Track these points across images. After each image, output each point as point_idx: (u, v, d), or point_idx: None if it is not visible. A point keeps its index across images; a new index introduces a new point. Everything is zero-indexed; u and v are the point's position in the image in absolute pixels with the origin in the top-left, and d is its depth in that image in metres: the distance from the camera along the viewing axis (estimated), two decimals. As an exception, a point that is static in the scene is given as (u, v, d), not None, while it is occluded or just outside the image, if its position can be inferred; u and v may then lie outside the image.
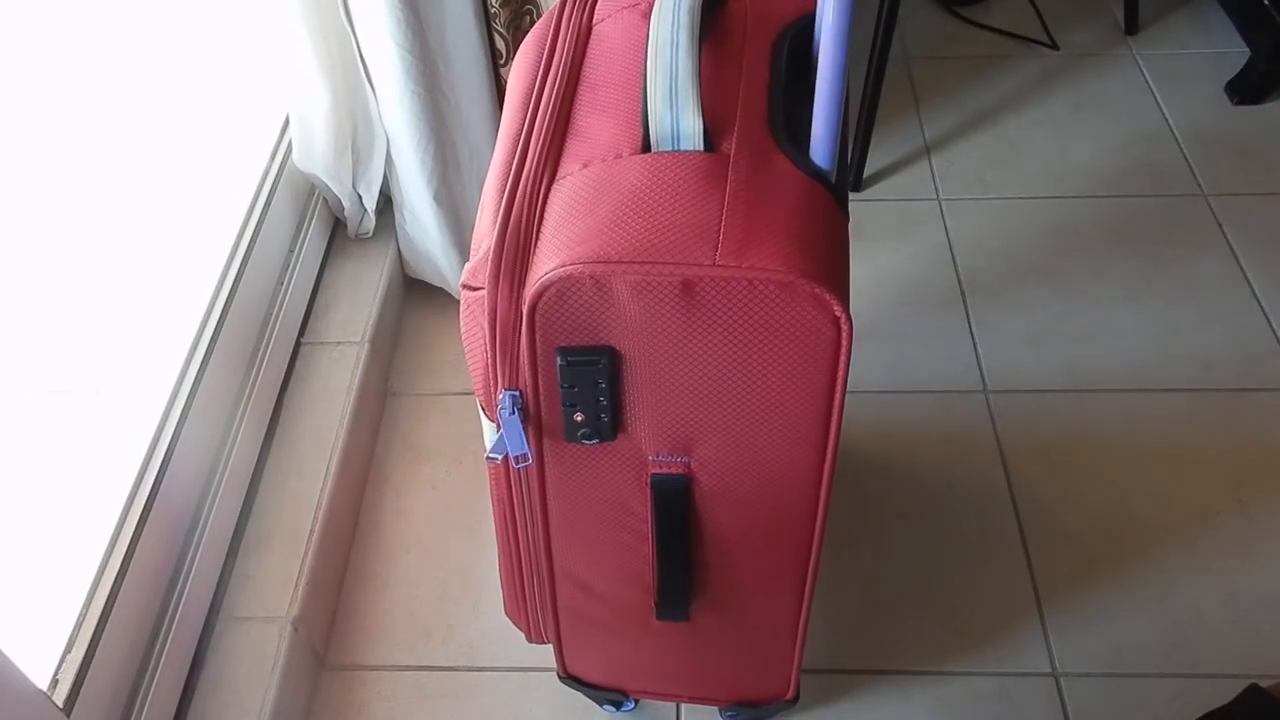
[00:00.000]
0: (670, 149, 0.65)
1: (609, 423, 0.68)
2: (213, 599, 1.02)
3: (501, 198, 0.67)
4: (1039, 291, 1.37)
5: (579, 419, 0.68)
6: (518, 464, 0.72)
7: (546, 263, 0.62)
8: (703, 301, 0.61)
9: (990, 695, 1.01)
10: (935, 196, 1.51)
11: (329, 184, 1.26)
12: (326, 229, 1.35)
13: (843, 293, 0.62)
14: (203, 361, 1.05)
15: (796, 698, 0.93)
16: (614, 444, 0.70)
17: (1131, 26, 1.79)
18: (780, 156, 0.66)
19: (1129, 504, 1.15)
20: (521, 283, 0.64)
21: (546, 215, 0.66)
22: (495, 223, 0.66)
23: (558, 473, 0.73)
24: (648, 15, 0.74)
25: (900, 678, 1.03)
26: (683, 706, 1.02)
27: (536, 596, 0.88)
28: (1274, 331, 1.31)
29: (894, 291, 1.38)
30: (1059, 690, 1.01)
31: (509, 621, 0.98)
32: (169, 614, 0.95)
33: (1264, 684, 0.79)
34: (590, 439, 0.69)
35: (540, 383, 0.67)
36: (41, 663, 0.82)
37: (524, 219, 0.66)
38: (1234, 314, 1.34)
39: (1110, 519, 1.14)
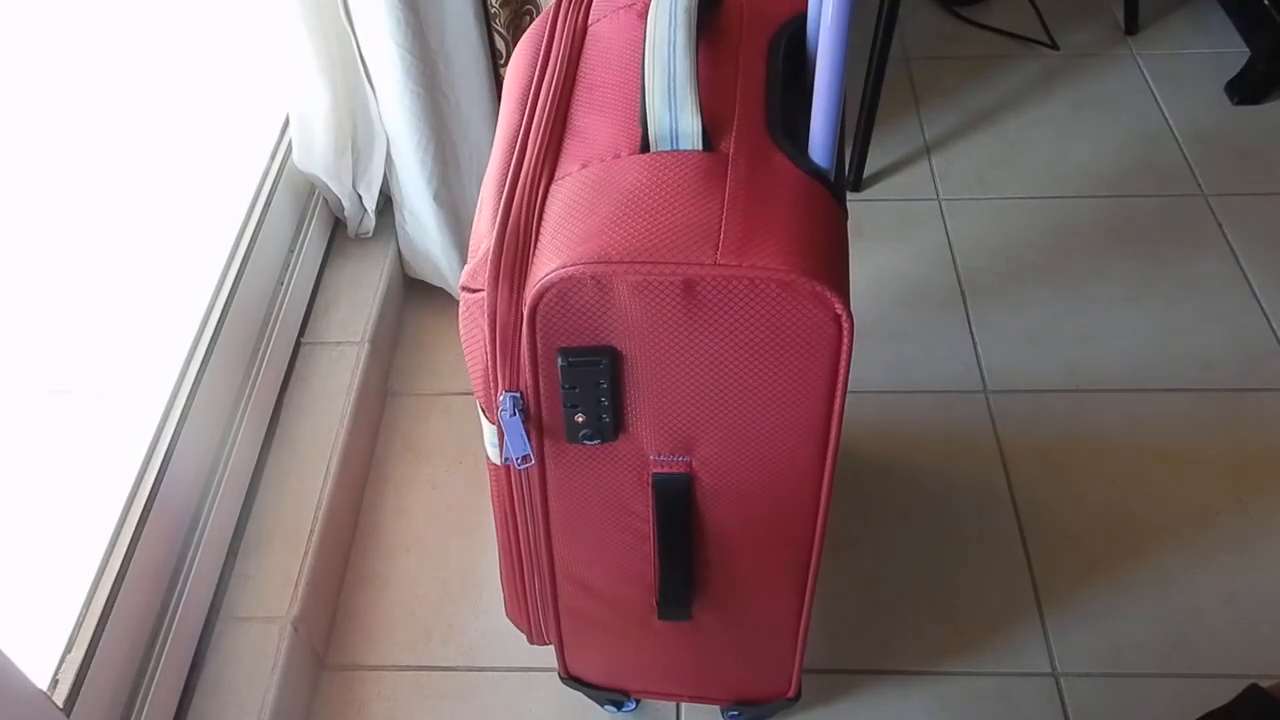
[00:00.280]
0: (669, 148, 0.65)
1: (610, 423, 0.68)
2: (213, 599, 1.02)
3: (500, 198, 0.67)
4: (1039, 291, 1.37)
5: (580, 420, 0.68)
6: (520, 465, 0.71)
7: (547, 264, 0.62)
8: (704, 301, 0.61)
9: (990, 695, 1.01)
10: (935, 196, 1.51)
11: (329, 184, 1.26)
12: (326, 229, 1.35)
13: (843, 291, 0.62)
14: (203, 361, 1.05)
15: (798, 696, 0.93)
16: (615, 444, 0.70)
17: (1131, 26, 1.79)
18: (779, 155, 0.66)
19: (1129, 504, 1.15)
20: (521, 284, 0.64)
21: (546, 216, 0.66)
22: (494, 224, 0.66)
23: (559, 473, 0.73)
24: (643, 15, 0.74)
25: (900, 678, 1.03)
26: (683, 706, 1.02)
27: (538, 597, 0.88)
28: (1274, 331, 1.31)
29: (894, 291, 1.38)
30: (1059, 690, 1.01)
31: (509, 622, 0.98)
32: (169, 614, 0.95)
33: (1264, 684, 0.79)
34: (591, 439, 0.69)
35: (541, 384, 0.67)
36: (41, 663, 0.82)
37: (523, 220, 0.66)
38: (1234, 314, 1.34)
39: (1110, 519, 1.14)
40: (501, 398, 0.68)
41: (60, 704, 0.81)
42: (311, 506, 1.09)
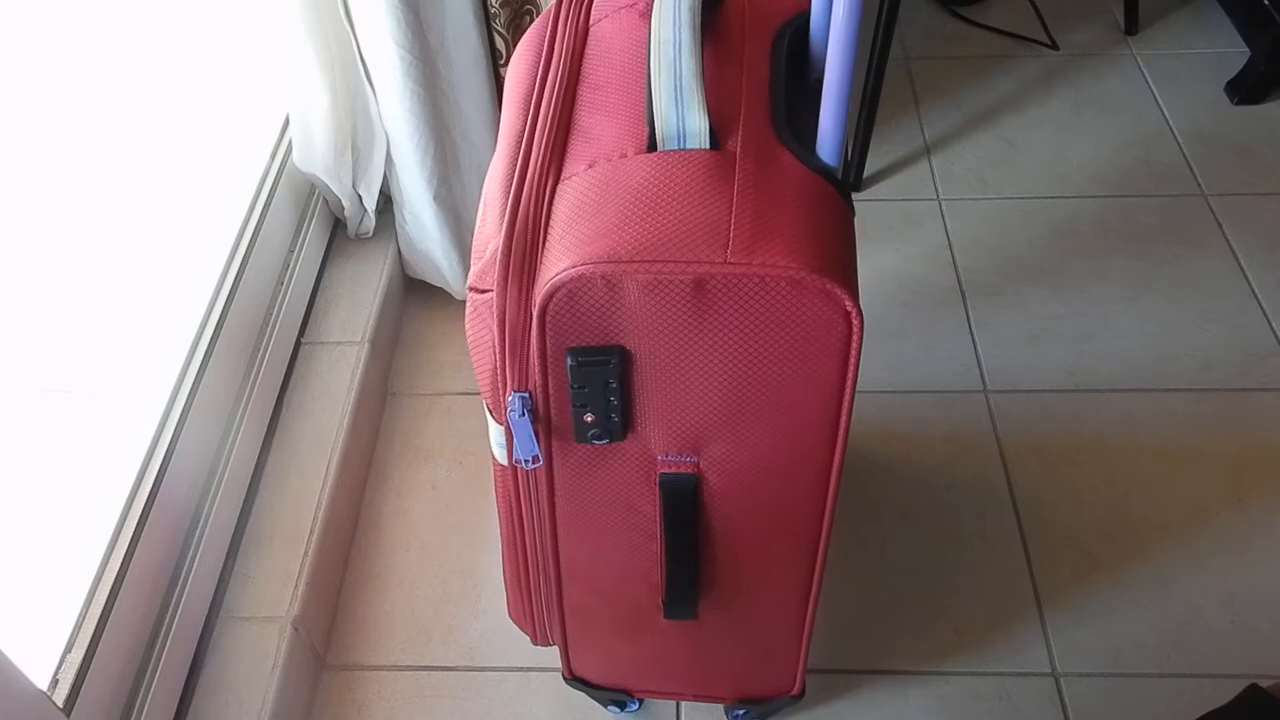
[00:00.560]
0: (676, 148, 0.66)
1: (619, 423, 0.68)
2: (213, 599, 1.02)
3: (506, 199, 0.67)
4: (1039, 291, 1.37)
5: (589, 419, 0.68)
6: (528, 466, 0.71)
7: (556, 263, 0.62)
8: (714, 299, 0.61)
9: (990, 695, 1.01)
10: (935, 196, 1.51)
11: (329, 184, 1.26)
12: (326, 229, 1.35)
13: (852, 288, 0.62)
14: (203, 361, 1.05)
15: (802, 693, 0.93)
16: (623, 444, 0.70)
17: (1131, 26, 1.79)
18: (786, 153, 0.66)
19: (1129, 504, 1.15)
20: (530, 284, 0.64)
21: (553, 216, 0.66)
22: (501, 224, 0.66)
23: (566, 474, 0.73)
24: (646, 15, 0.74)
25: (900, 678, 1.03)
26: (683, 706, 1.02)
27: (542, 598, 0.88)
28: (1274, 331, 1.31)
29: (894, 291, 1.38)
30: (1059, 690, 1.01)
31: (509, 622, 0.98)
32: (169, 614, 0.95)
33: (1264, 684, 0.79)
34: (600, 439, 0.69)
35: (550, 384, 0.67)
36: (41, 663, 0.82)
37: (530, 220, 0.66)
38: (1234, 314, 1.34)
39: (1110, 519, 1.14)
40: (510, 398, 0.68)
41: (60, 704, 0.81)
42: (311, 506, 1.09)
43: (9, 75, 1.11)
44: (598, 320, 0.63)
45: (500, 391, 0.69)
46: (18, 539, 0.93)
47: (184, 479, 1.00)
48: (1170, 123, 1.62)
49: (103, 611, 0.87)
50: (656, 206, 0.63)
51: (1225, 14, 1.78)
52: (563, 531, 0.78)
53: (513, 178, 0.69)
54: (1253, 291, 1.36)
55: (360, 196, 1.30)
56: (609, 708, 1.01)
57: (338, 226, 1.37)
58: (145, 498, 0.94)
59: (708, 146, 0.65)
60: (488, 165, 1.22)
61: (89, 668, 0.84)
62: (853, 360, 0.64)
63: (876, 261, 1.42)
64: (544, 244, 0.65)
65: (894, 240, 1.45)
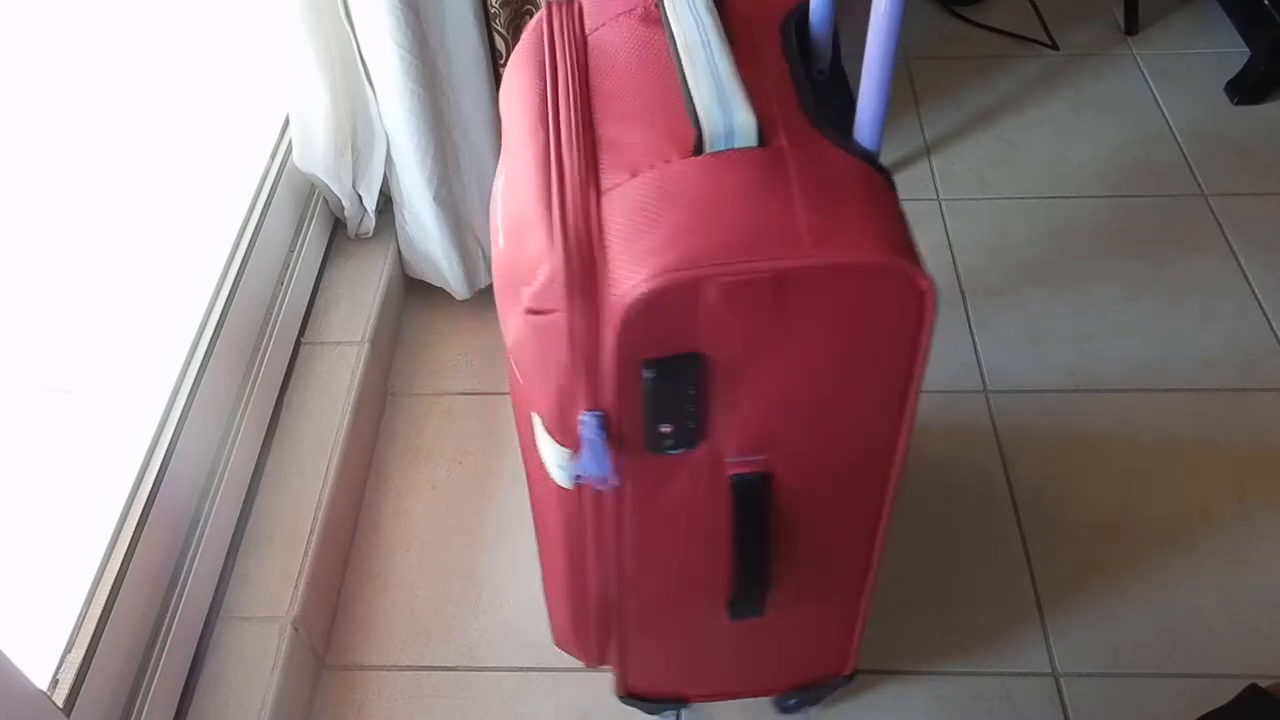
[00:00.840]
0: (725, 147, 0.65)
1: (694, 429, 0.68)
2: (213, 599, 1.02)
3: (549, 218, 0.65)
4: (1039, 291, 1.37)
5: (666, 430, 0.67)
6: (603, 486, 0.69)
7: (629, 276, 0.61)
8: (795, 294, 0.61)
9: (990, 695, 1.01)
10: (935, 196, 1.51)
11: (329, 184, 1.26)
12: (326, 229, 1.35)
13: (923, 265, 0.63)
14: (203, 361, 1.05)
15: (854, 674, 0.94)
16: (693, 450, 0.70)
17: (1131, 26, 1.79)
18: (828, 144, 0.66)
19: (1129, 504, 1.15)
20: (597, 300, 0.62)
21: (606, 228, 0.64)
22: (551, 244, 0.64)
23: (636, 486, 0.71)
24: (648, 20, 0.73)
25: (900, 678, 1.03)
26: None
27: (602, 618, 0.86)
28: (1274, 331, 1.31)
29: (894, 291, 1.38)
30: (1059, 690, 1.01)
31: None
32: (169, 614, 0.95)
33: (1264, 684, 0.79)
34: (675, 449, 0.68)
35: (623, 398, 0.65)
36: (41, 663, 0.82)
37: (583, 235, 0.64)
38: (1234, 314, 1.34)
39: (1110, 519, 1.14)
40: (583, 417, 0.66)
41: (60, 704, 0.81)
42: (311, 506, 1.09)
43: (9, 75, 1.11)
44: (675, 329, 0.62)
45: (567, 413, 0.67)
46: (18, 539, 0.93)
47: (184, 479, 1.00)
48: (1170, 123, 1.62)
49: (103, 611, 0.87)
50: (720, 208, 0.62)
51: (1225, 14, 1.78)
52: (629, 545, 0.76)
53: (549, 196, 0.67)
54: (1253, 291, 1.36)
55: (360, 196, 1.30)
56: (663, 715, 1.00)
57: (338, 226, 1.37)
58: (145, 498, 0.94)
59: (755, 143, 0.65)
60: (488, 166, 1.23)
61: (89, 668, 0.84)
62: (925, 339, 0.65)
63: (876, 261, 1.42)
64: (605, 258, 0.63)
65: (894, 240, 1.45)
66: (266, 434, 1.15)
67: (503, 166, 0.77)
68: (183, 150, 1.22)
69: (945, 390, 1.27)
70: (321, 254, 1.33)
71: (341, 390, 1.19)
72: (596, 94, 0.73)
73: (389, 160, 1.24)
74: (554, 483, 0.74)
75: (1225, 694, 0.79)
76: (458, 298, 1.35)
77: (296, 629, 1.00)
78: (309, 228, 1.29)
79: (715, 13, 0.70)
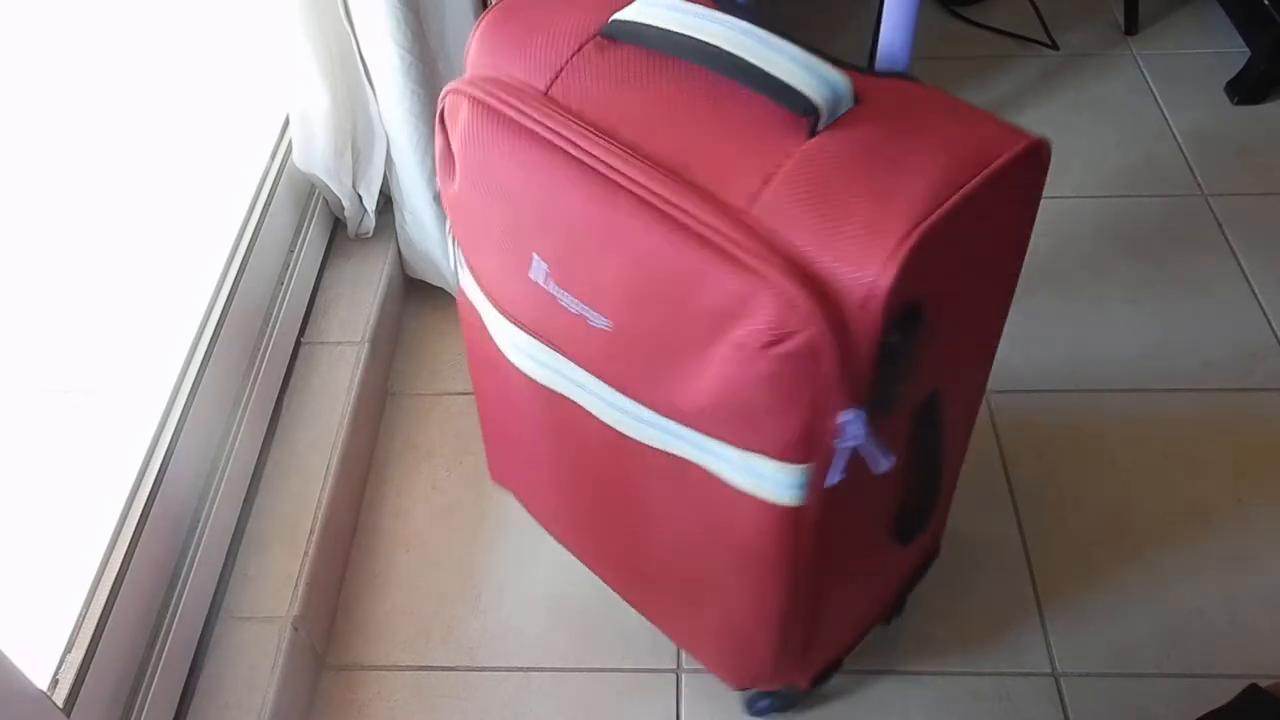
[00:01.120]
0: (835, 115, 0.63)
1: (918, 378, 0.67)
2: (213, 599, 1.02)
3: (708, 254, 0.60)
4: (1039, 291, 1.37)
5: (899, 388, 0.64)
6: (883, 468, 0.65)
7: (862, 268, 0.58)
8: (995, 204, 0.63)
9: (990, 695, 1.01)
10: (935, 196, 1.51)
11: (329, 184, 1.26)
12: (326, 229, 1.35)
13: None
14: (203, 361, 1.05)
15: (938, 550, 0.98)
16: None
17: (1131, 26, 1.79)
18: (880, 79, 0.67)
19: (1129, 504, 1.15)
20: (833, 297, 0.59)
21: (784, 233, 0.60)
22: (740, 271, 0.60)
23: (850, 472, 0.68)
24: (604, 48, 0.68)
25: (900, 678, 1.03)
26: (682, 690, 1.02)
27: (809, 634, 0.83)
28: (1274, 331, 1.31)
29: (894, 291, 1.38)
30: (1059, 690, 1.01)
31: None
32: (169, 614, 0.95)
33: (1264, 684, 0.79)
34: (902, 405, 0.67)
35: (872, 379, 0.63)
36: (41, 663, 0.82)
37: (768, 248, 0.60)
38: (1234, 314, 1.34)
39: (1110, 519, 1.14)
40: (846, 418, 0.62)
41: (60, 704, 0.81)
42: (311, 506, 1.09)
43: (9, 75, 1.11)
44: (909, 290, 0.60)
45: (817, 427, 0.63)
46: (18, 539, 0.93)
47: (184, 479, 1.00)
48: (1170, 123, 1.62)
49: (103, 611, 0.87)
50: (899, 162, 0.61)
51: (1225, 14, 1.78)
52: (844, 530, 0.73)
53: (688, 239, 0.61)
54: (1253, 291, 1.36)
55: (360, 196, 1.30)
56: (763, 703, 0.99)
57: (338, 226, 1.37)
58: (145, 498, 0.94)
59: (853, 101, 0.64)
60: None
61: (89, 668, 0.84)
62: (1039, 195, 0.68)
63: (876, 261, 1.42)
64: (813, 256, 0.60)
65: (894, 240, 1.45)
66: (266, 434, 1.15)
67: (548, 258, 0.69)
68: (183, 150, 1.22)
69: (945, 390, 1.27)
70: (321, 254, 1.33)
71: (341, 390, 1.19)
72: (618, 137, 0.66)
73: (389, 160, 1.24)
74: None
75: (1225, 694, 0.79)
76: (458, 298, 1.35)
77: (296, 629, 1.00)
78: (309, 228, 1.29)
79: (714, 10, 0.68)
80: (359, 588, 1.12)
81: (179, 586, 0.97)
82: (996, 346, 0.77)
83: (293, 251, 1.26)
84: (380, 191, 1.30)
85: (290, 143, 1.23)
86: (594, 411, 0.75)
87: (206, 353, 1.06)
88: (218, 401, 1.08)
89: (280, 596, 1.02)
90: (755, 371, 0.61)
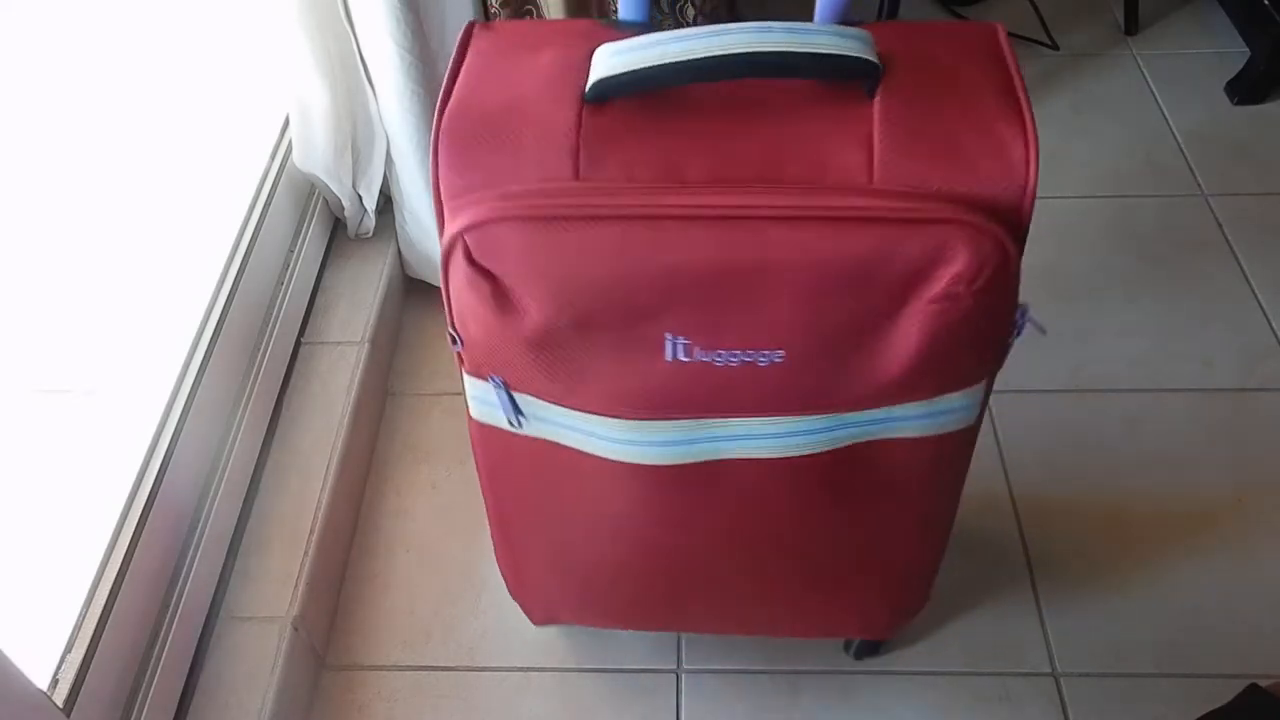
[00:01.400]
0: (875, 71, 0.64)
1: None
2: (213, 599, 1.02)
3: (893, 226, 0.61)
4: (1039, 291, 1.36)
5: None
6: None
7: (1013, 178, 0.62)
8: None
9: (990, 695, 1.01)
10: (935, 196, 1.51)
11: (329, 184, 1.26)
12: (326, 229, 1.35)
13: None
14: (203, 361, 1.05)
15: None
16: None
17: (1131, 26, 1.79)
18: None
19: (1129, 504, 1.15)
20: (999, 216, 0.61)
21: (938, 184, 0.62)
22: (925, 237, 0.60)
23: None
24: (604, 110, 0.64)
25: (900, 678, 1.03)
26: (683, 692, 1.02)
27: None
28: (1274, 331, 1.31)
29: (894, 291, 1.38)
30: (1059, 690, 1.01)
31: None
32: (169, 614, 0.95)
33: (1264, 684, 0.79)
34: None
35: None
36: (41, 663, 0.82)
37: (931, 206, 0.61)
38: (1234, 314, 1.34)
39: (1110, 519, 1.14)
40: (1019, 312, 0.68)
41: (60, 704, 0.81)
42: (311, 506, 1.09)
43: (9, 75, 1.11)
44: None
45: (1004, 334, 0.69)
46: (18, 539, 0.93)
47: (184, 479, 1.00)
48: (1170, 123, 1.61)
49: (103, 611, 0.87)
50: (956, 85, 0.65)
51: (1225, 14, 1.78)
52: None
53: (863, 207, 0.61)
54: (1253, 291, 1.36)
55: (360, 196, 1.30)
56: None
57: (338, 226, 1.37)
58: (145, 498, 0.94)
59: (876, 61, 0.64)
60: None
61: (89, 668, 0.84)
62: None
63: (876, 261, 1.42)
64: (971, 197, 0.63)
65: (894, 240, 1.45)
66: (266, 434, 1.15)
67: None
68: (183, 150, 1.22)
69: (945, 390, 1.27)
70: (321, 254, 1.33)
71: (341, 390, 1.19)
72: (701, 171, 0.62)
73: (389, 160, 1.24)
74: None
75: (1225, 694, 0.79)
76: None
77: (296, 629, 1.00)
78: (309, 228, 1.29)
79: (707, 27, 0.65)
80: (359, 588, 1.12)
81: (179, 586, 0.97)
82: None
83: (293, 251, 1.26)
84: (380, 191, 1.30)
85: (290, 143, 1.23)
86: (755, 454, 0.72)
87: (206, 353, 1.06)
88: (218, 401, 1.08)
89: (280, 596, 1.02)
90: (962, 313, 0.62)
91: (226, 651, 0.99)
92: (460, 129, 0.64)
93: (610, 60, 0.63)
